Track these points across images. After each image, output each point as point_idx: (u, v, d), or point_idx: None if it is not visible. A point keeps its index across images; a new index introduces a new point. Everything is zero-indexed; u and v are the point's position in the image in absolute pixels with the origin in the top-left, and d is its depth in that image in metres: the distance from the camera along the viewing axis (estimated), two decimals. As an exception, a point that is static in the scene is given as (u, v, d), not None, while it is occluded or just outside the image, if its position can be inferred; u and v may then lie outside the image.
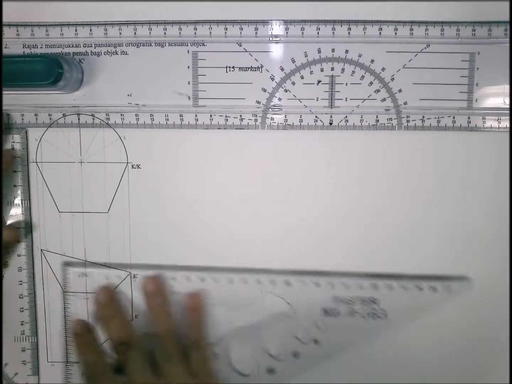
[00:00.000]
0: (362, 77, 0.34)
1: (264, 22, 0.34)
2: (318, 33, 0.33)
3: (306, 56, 0.34)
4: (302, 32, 0.34)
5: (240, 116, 0.35)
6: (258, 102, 0.34)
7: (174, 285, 0.36)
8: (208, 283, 0.35)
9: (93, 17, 0.34)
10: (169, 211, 0.36)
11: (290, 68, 0.34)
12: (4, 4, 0.34)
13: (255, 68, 0.34)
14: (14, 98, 0.35)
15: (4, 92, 0.34)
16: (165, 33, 0.34)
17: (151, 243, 0.36)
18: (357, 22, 0.33)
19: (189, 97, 0.35)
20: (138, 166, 0.36)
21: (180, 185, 0.36)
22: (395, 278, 0.35)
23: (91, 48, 0.35)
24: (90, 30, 0.34)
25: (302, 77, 0.34)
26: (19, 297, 0.37)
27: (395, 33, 0.33)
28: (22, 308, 0.37)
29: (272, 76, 0.34)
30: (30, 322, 0.37)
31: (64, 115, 0.35)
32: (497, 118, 0.33)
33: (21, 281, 0.37)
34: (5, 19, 0.34)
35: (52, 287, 0.37)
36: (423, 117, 0.34)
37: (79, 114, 0.35)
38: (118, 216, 0.36)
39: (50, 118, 0.35)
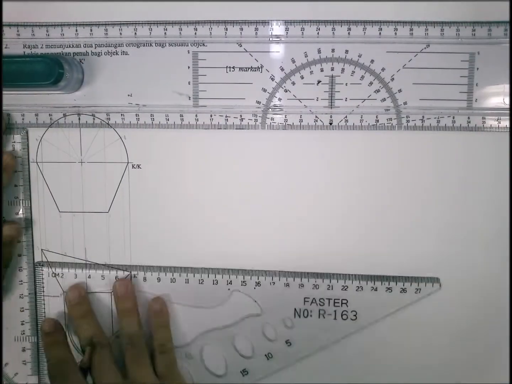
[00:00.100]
0: (362, 77, 0.34)
1: (264, 22, 0.34)
2: (318, 33, 0.33)
3: (306, 56, 0.34)
4: (302, 32, 0.34)
5: (240, 116, 0.35)
6: (258, 102, 0.34)
7: (144, 286, 0.36)
8: (178, 283, 0.36)
9: (94, 17, 0.34)
10: (169, 211, 0.36)
11: (290, 68, 0.34)
12: (4, 4, 0.34)
13: (255, 68, 0.34)
14: (14, 98, 0.35)
15: (4, 92, 0.34)
16: (165, 33, 0.34)
17: (151, 243, 0.36)
18: (357, 22, 0.33)
19: (190, 97, 0.35)
20: (138, 166, 0.36)
21: (180, 185, 0.36)
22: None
23: (91, 48, 0.35)
24: (91, 30, 0.34)
25: (302, 77, 0.34)
26: (20, 297, 0.37)
27: (395, 33, 0.33)
28: (23, 308, 0.37)
29: (272, 76, 0.34)
30: (30, 322, 0.37)
31: (64, 115, 0.35)
32: (497, 118, 0.33)
33: (21, 281, 0.37)
34: (5, 19, 0.34)
35: (52, 287, 0.37)
36: (423, 117, 0.34)
37: (79, 114, 0.35)
38: (118, 216, 0.36)
39: (50, 118, 0.35)
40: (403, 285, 0.35)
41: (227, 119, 0.35)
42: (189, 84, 0.35)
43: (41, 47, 0.35)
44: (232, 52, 0.34)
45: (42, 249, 0.37)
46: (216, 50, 0.34)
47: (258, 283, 0.35)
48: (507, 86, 0.33)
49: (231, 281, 0.36)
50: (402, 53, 0.33)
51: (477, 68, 0.33)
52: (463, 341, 0.35)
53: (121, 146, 0.36)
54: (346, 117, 0.34)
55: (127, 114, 0.35)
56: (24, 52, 0.35)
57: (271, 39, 0.34)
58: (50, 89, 0.34)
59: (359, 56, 0.34)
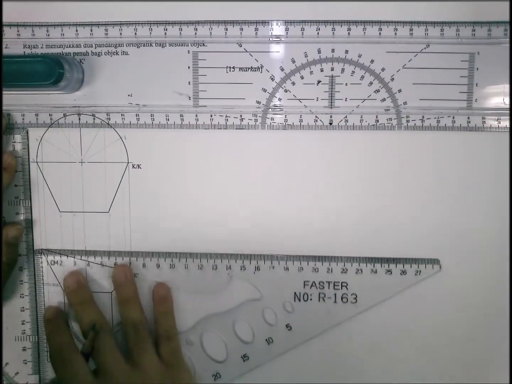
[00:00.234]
0: (362, 77, 0.34)
1: (264, 23, 0.34)
2: (318, 33, 0.33)
3: (306, 56, 0.34)
4: (302, 32, 0.34)
5: (240, 116, 0.35)
6: (258, 102, 0.34)
7: (144, 272, 0.36)
8: (178, 270, 0.36)
9: (94, 18, 0.34)
10: (169, 211, 0.36)
11: (290, 68, 0.34)
12: (5, 4, 0.34)
13: (255, 68, 0.34)
14: (14, 98, 0.35)
15: (4, 92, 0.34)
16: (165, 33, 0.34)
17: (151, 242, 0.36)
18: (357, 22, 0.33)
19: (190, 97, 0.35)
20: (138, 166, 0.36)
21: (180, 185, 0.36)
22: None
23: (91, 48, 0.35)
24: (91, 30, 0.34)
25: (302, 77, 0.34)
26: (20, 296, 0.37)
27: (395, 33, 0.33)
28: (23, 307, 0.37)
29: (272, 76, 0.34)
30: (31, 322, 0.37)
31: (64, 115, 0.35)
32: (497, 118, 0.33)
33: (21, 281, 0.37)
34: (5, 19, 0.34)
35: (52, 286, 0.37)
36: (423, 117, 0.34)
37: (79, 114, 0.35)
38: (118, 216, 0.36)
39: (50, 118, 0.36)
40: (403, 267, 0.35)
41: (227, 119, 0.35)
42: (189, 84, 0.35)
43: (41, 47, 0.35)
44: (232, 52, 0.34)
45: (42, 249, 0.37)
46: (216, 50, 0.34)
47: (257, 268, 0.36)
48: (507, 86, 0.33)
49: (230, 266, 0.36)
50: (402, 53, 0.33)
51: (477, 68, 0.33)
52: (463, 342, 0.35)
53: (121, 146, 0.36)
54: (346, 117, 0.34)
55: (127, 114, 0.35)
56: (24, 52, 0.35)
57: (271, 39, 0.34)
58: (50, 89, 0.34)
59: (359, 56, 0.34)
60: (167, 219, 0.36)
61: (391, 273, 0.35)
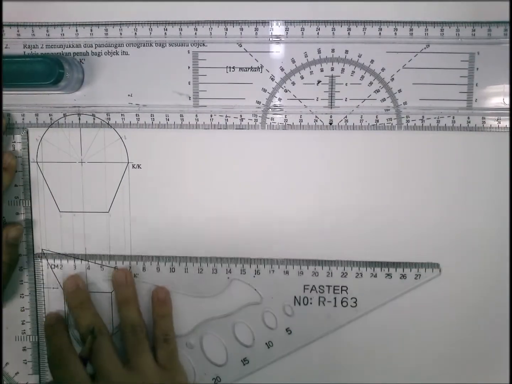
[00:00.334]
0: (362, 77, 0.34)
1: (264, 23, 0.34)
2: (318, 33, 0.34)
3: (306, 56, 0.34)
4: (302, 32, 0.34)
5: (240, 116, 0.35)
6: (258, 102, 0.34)
7: (144, 276, 0.36)
8: (178, 274, 0.36)
9: (94, 18, 0.34)
10: (169, 211, 0.36)
11: (290, 68, 0.34)
12: (4, 4, 0.34)
13: (255, 68, 0.34)
14: (14, 98, 0.35)
15: (4, 92, 0.34)
16: (165, 33, 0.34)
17: (151, 242, 0.36)
18: (357, 22, 0.33)
19: (190, 97, 0.35)
20: (138, 166, 0.36)
21: (180, 185, 0.36)
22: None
23: (91, 48, 0.35)
24: (91, 30, 0.34)
25: (302, 77, 0.34)
26: (20, 296, 0.37)
27: (395, 33, 0.33)
28: (23, 307, 0.37)
29: (272, 76, 0.34)
30: (31, 322, 0.37)
31: (64, 115, 0.35)
32: (497, 118, 0.33)
33: (21, 281, 0.37)
34: (5, 19, 0.34)
35: (53, 289, 0.37)
36: (423, 117, 0.34)
37: (79, 114, 0.35)
38: (118, 216, 0.36)
39: (50, 118, 0.36)
40: (403, 271, 0.35)
41: (227, 119, 0.35)
42: (189, 84, 0.35)
43: (41, 47, 0.35)
44: (232, 52, 0.34)
45: (42, 249, 0.37)
46: (216, 50, 0.34)
47: (257, 271, 0.36)
48: (507, 86, 0.33)
49: (230, 269, 0.36)
50: (402, 53, 0.33)
51: (477, 68, 0.33)
52: (463, 343, 0.35)
53: (121, 146, 0.36)
54: (346, 117, 0.34)
55: (127, 114, 0.35)
56: (24, 52, 0.35)
57: (271, 39, 0.34)
58: (50, 89, 0.34)
59: (359, 56, 0.34)
60: (167, 219, 0.36)
61: (391, 277, 0.35)
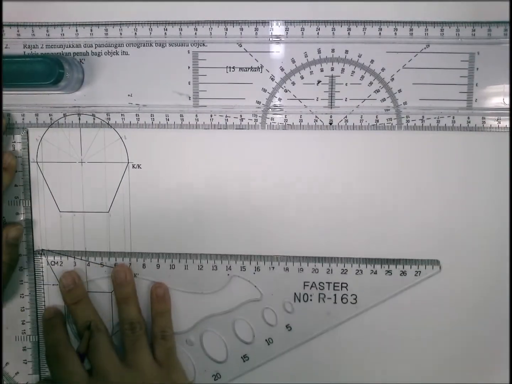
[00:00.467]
0: (362, 77, 0.34)
1: (264, 23, 0.34)
2: (318, 33, 0.34)
3: (306, 56, 0.34)
4: (302, 32, 0.34)
5: (240, 116, 0.35)
6: (258, 102, 0.34)
7: (144, 273, 0.36)
8: (178, 270, 0.36)
9: (94, 18, 0.34)
10: (169, 211, 0.36)
11: (290, 68, 0.34)
12: (4, 4, 0.34)
13: (255, 68, 0.34)
14: (14, 98, 0.35)
15: (4, 92, 0.34)
16: (165, 33, 0.34)
17: (151, 242, 0.36)
18: (357, 22, 0.33)
19: (190, 97, 0.35)
20: (138, 166, 0.36)
21: (180, 185, 0.36)
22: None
23: (91, 48, 0.35)
24: (91, 30, 0.34)
25: (302, 77, 0.34)
26: (20, 296, 0.37)
27: (395, 33, 0.33)
28: (23, 307, 0.37)
29: (272, 76, 0.34)
30: (31, 322, 0.37)
31: (64, 115, 0.35)
32: (497, 118, 0.33)
33: (21, 281, 0.37)
34: (5, 19, 0.34)
35: (52, 286, 0.37)
36: (423, 117, 0.34)
37: (79, 114, 0.35)
38: (118, 216, 0.36)
39: (50, 118, 0.36)
40: (403, 267, 0.35)
41: (227, 119, 0.35)
42: (189, 84, 0.35)
43: (41, 47, 0.35)
44: (232, 52, 0.34)
45: (42, 249, 0.37)
46: (216, 50, 0.34)
47: (257, 268, 0.36)
48: (507, 86, 0.33)
49: (230, 266, 0.36)
50: (402, 53, 0.33)
51: (477, 68, 0.33)
52: (463, 343, 0.35)
53: (121, 146, 0.36)
54: (346, 117, 0.34)
55: (127, 114, 0.35)
56: (24, 52, 0.35)
57: (271, 39, 0.34)
58: (50, 89, 0.34)
59: (359, 56, 0.34)
60: (167, 219, 0.36)
61: (391, 273, 0.35)
